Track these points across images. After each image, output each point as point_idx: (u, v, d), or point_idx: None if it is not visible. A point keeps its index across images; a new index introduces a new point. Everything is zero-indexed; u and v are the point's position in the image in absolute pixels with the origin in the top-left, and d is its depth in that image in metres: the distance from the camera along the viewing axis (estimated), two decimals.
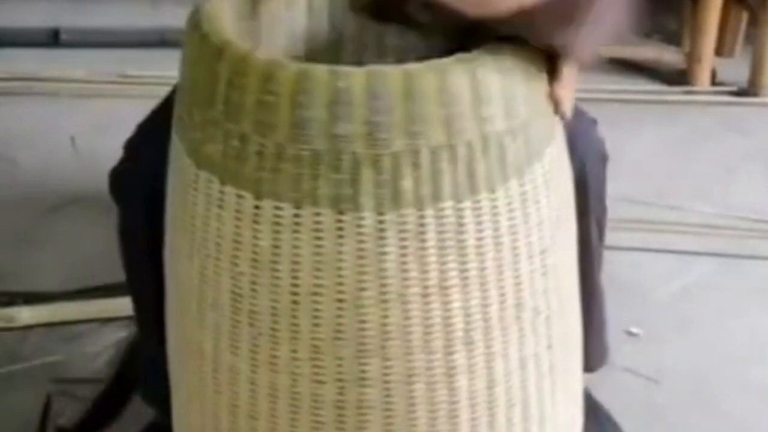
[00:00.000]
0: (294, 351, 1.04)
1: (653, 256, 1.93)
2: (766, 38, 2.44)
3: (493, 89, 1.01)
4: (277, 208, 1.01)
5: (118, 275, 1.84)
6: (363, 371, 1.04)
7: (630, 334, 1.75)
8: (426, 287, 1.02)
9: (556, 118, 1.10)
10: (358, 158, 0.98)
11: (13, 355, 1.69)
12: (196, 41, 1.05)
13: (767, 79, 2.46)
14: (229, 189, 1.03)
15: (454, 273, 1.02)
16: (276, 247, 1.01)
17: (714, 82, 2.52)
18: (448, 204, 1.01)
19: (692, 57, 2.51)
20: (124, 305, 1.77)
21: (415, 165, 0.99)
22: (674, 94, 2.49)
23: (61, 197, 2.07)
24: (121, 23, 2.63)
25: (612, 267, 1.88)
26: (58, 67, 2.47)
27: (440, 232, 1.01)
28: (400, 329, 1.03)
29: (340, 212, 0.99)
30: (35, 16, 2.65)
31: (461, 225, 1.01)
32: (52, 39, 2.59)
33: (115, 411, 1.57)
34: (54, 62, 2.50)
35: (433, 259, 1.01)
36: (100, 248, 1.93)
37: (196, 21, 1.07)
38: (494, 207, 1.03)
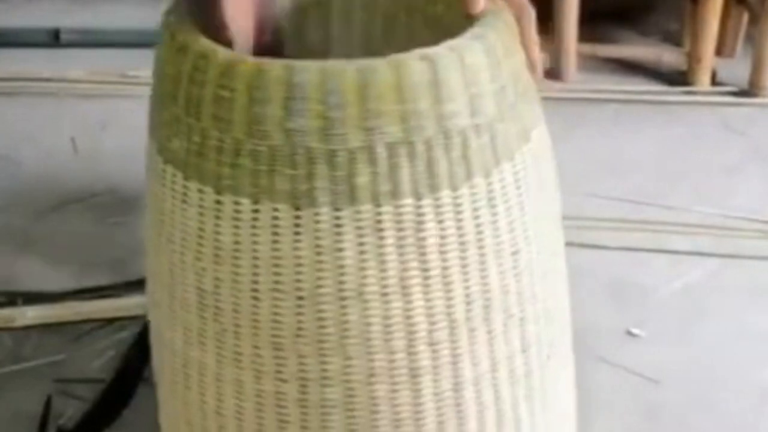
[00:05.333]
0: (257, 347, 1.04)
1: (653, 256, 1.93)
2: (767, 39, 2.44)
3: (454, 86, 1.00)
4: (237, 203, 1.01)
5: (119, 275, 1.85)
6: (324, 370, 1.03)
7: (630, 334, 1.75)
8: (385, 285, 1.01)
9: (533, 119, 1.09)
10: (313, 154, 0.98)
11: (13, 355, 1.69)
12: (166, 38, 1.06)
13: (767, 80, 2.46)
14: (192, 184, 1.03)
15: (415, 272, 1.02)
16: (237, 243, 1.02)
17: (714, 82, 2.52)
18: (407, 201, 1.00)
19: (692, 57, 2.51)
20: (124, 305, 1.78)
21: (372, 161, 0.98)
22: (674, 94, 2.49)
23: (61, 197, 2.07)
24: (121, 23, 2.63)
25: (612, 267, 1.89)
26: (59, 67, 2.47)
27: (399, 230, 1.00)
28: (360, 327, 1.02)
29: (297, 208, 0.99)
30: (36, 16, 2.66)
31: (421, 223, 1.01)
32: (53, 39, 2.59)
33: (116, 411, 1.57)
34: (54, 62, 2.50)
35: (392, 257, 1.01)
36: (100, 248, 1.93)
37: (166, 17, 1.08)
38: (458, 205, 1.02)
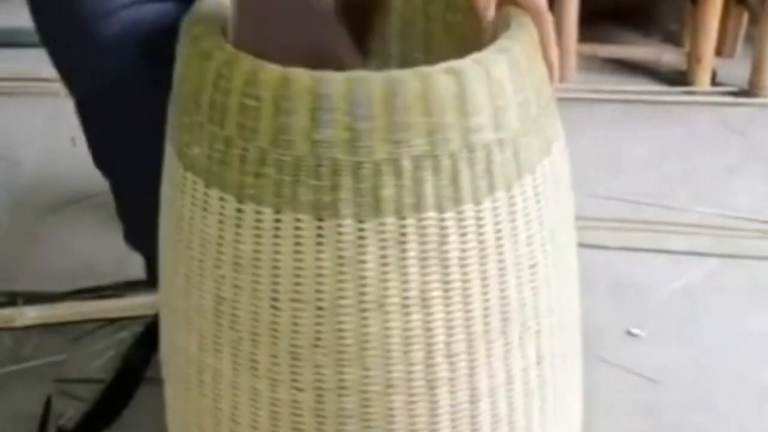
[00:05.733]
0: (274, 356, 1.04)
1: (653, 256, 1.93)
2: (767, 39, 2.44)
3: (480, 99, 0.99)
4: (259, 212, 1.00)
5: (119, 275, 1.85)
6: (341, 380, 1.03)
7: (630, 334, 1.75)
8: (406, 297, 1.01)
9: (554, 132, 1.09)
10: (338, 165, 0.98)
11: (13, 355, 1.69)
12: (188, 41, 1.05)
13: (767, 80, 2.46)
14: (213, 192, 1.03)
15: (435, 284, 1.01)
16: (257, 251, 1.01)
17: (714, 82, 2.52)
18: (430, 214, 1.00)
19: (692, 57, 2.51)
20: (124, 305, 1.78)
21: (397, 174, 0.98)
22: (674, 94, 2.49)
23: (61, 197, 2.07)
24: None
25: (612, 267, 1.89)
26: None
27: (422, 242, 1.00)
28: (379, 338, 1.02)
29: (320, 219, 0.99)
30: None
31: (444, 236, 1.00)
32: None
33: (116, 411, 1.57)
34: None
35: (414, 269, 1.00)
36: (100, 248, 1.93)
37: (190, 20, 1.07)
38: (480, 218, 1.02)
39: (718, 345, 1.74)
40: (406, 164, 0.98)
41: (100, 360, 1.68)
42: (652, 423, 1.59)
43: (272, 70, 0.99)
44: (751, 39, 2.55)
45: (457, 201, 1.00)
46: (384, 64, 1.24)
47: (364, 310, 1.01)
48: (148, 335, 1.69)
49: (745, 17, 2.60)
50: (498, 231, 1.03)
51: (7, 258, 1.91)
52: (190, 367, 1.10)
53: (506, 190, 1.02)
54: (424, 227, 1.00)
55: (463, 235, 1.01)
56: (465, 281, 1.02)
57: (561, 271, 1.11)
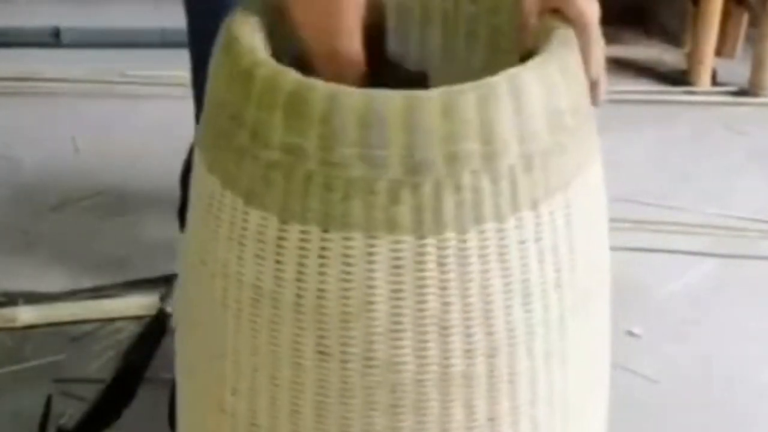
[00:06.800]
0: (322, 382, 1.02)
1: (653, 256, 1.93)
2: (767, 39, 2.44)
3: (533, 111, 0.99)
4: (304, 232, 0.98)
5: (119, 275, 1.85)
6: (396, 399, 1.01)
7: (630, 334, 1.75)
8: (469, 309, 0.99)
9: (591, 149, 1.06)
10: (394, 184, 0.96)
11: (13, 355, 1.69)
12: (227, 58, 1.03)
13: (767, 80, 2.46)
14: (254, 211, 1.00)
15: (498, 295, 1.00)
16: (301, 273, 0.99)
17: (714, 82, 2.52)
18: (489, 226, 0.98)
19: (693, 57, 2.51)
20: (124, 305, 1.78)
21: (457, 189, 0.97)
22: (674, 94, 2.49)
23: (61, 197, 2.07)
24: (122, 23, 2.63)
25: (612, 267, 1.89)
26: (59, 67, 2.47)
27: (482, 255, 0.99)
28: (439, 358, 1.00)
29: (373, 237, 0.97)
30: (36, 15, 2.66)
31: (503, 246, 0.99)
32: (53, 39, 2.59)
33: (116, 411, 1.57)
34: (55, 62, 2.50)
35: (475, 283, 0.99)
36: (100, 248, 1.93)
37: (228, 36, 1.04)
38: (538, 225, 1.00)
39: (718, 345, 1.74)
40: (466, 178, 0.97)
41: (100, 360, 1.68)
42: (652, 423, 1.59)
43: (318, 87, 0.97)
44: (751, 39, 2.55)
45: (516, 208, 0.99)
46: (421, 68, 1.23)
47: (423, 333, 0.99)
48: (148, 335, 1.69)
49: (746, 17, 2.60)
50: (554, 242, 1.02)
51: (7, 258, 1.91)
52: (224, 386, 1.07)
53: (563, 192, 1.01)
54: (485, 240, 0.98)
55: (523, 243, 1.00)
56: (524, 281, 1.01)
57: (588, 295, 1.09)
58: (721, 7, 2.46)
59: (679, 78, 2.53)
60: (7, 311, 1.76)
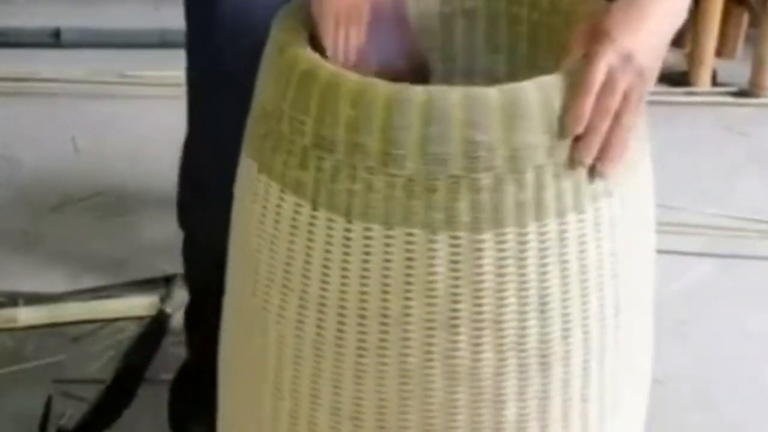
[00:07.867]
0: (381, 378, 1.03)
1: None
2: (767, 39, 2.44)
3: None
4: (368, 229, 0.99)
5: (118, 275, 1.85)
6: (453, 399, 1.02)
7: None
8: (525, 303, 1.00)
9: (640, 151, 1.07)
10: (455, 179, 0.97)
11: (13, 355, 1.69)
12: (284, 62, 1.04)
13: (767, 80, 2.46)
14: (321, 213, 1.01)
15: (555, 289, 1.01)
16: (365, 269, 1.00)
17: (715, 83, 2.52)
18: (550, 220, 0.99)
19: (693, 58, 2.51)
20: (124, 305, 1.78)
21: (519, 184, 0.98)
22: (675, 95, 2.49)
23: (61, 197, 2.07)
24: (121, 23, 2.63)
25: None
26: (59, 67, 2.47)
27: (541, 249, 1.00)
28: (494, 352, 1.01)
29: (434, 233, 0.98)
30: (36, 16, 2.66)
31: (563, 246, 1.00)
32: (53, 39, 2.59)
33: (116, 411, 1.57)
34: (55, 62, 2.50)
35: (533, 276, 1.00)
36: (100, 248, 1.93)
37: (281, 41, 1.06)
38: (597, 222, 1.02)
39: (718, 345, 1.74)
40: (529, 175, 0.98)
41: (100, 360, 1.68)
42: (652, 423, 1.58)
43: (381, 85, 0.98)
44: (751, 39, 2.55)
45: (578, 206, 1.00)
46: (469, 68, 1.22)
47: (479, 329, 1.01)
48: (149, 336, 1.70)
49: (746, 18, 2.60)
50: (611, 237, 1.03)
51: (7, 258, 1.91)
52: (266, 370, 1.08)
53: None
54: (544, 233, 1.00)
55: (583, 241, 1.01)
56: (583, 280, 1.02)
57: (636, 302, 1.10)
58: (721, 7, 2.46)
59: (680, 78, 2.53)
60: (8, 311, 1.76)
